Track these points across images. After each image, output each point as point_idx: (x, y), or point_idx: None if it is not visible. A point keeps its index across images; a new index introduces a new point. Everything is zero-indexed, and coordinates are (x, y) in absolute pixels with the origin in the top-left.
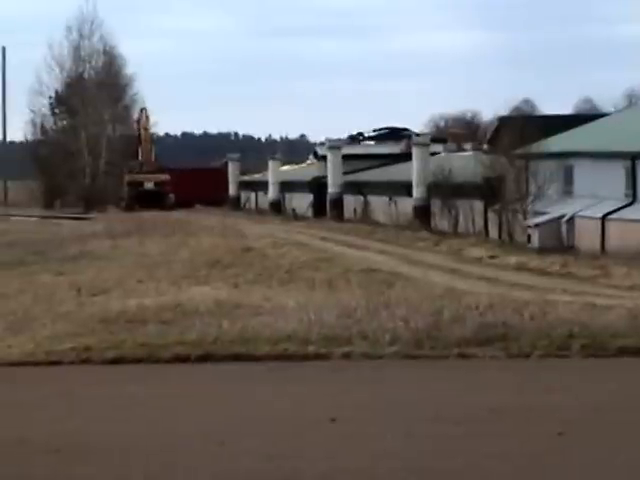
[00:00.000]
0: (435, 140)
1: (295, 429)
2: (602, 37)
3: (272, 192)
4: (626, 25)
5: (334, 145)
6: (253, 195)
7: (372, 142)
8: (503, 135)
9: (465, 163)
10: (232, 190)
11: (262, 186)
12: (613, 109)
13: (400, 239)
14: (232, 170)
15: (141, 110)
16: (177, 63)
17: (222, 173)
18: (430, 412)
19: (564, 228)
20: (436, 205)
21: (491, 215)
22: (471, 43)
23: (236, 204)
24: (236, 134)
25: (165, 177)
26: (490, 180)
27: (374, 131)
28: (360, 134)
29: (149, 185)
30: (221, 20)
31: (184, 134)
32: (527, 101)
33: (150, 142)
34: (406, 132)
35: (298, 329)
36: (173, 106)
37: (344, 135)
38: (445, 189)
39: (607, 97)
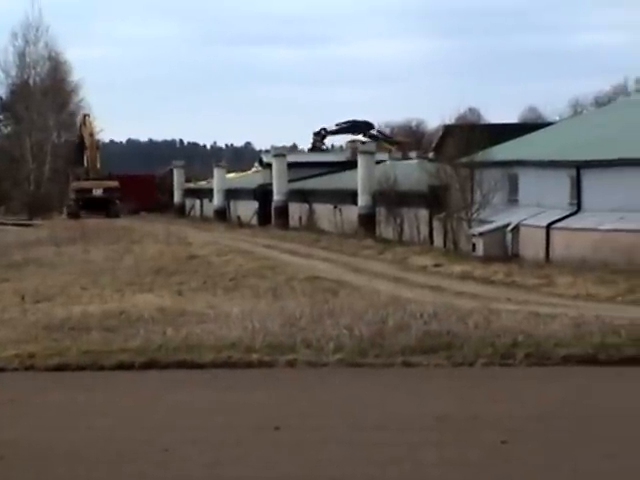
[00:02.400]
0: (389, 141)
1: (239, 437)
2: (547, 46)
3: (217, 200)
4: (571, 35)
5: (279, 153)
6: (198, 202)
7: (335, 136)
8: (448, 143)
9: (410, 171)
10: (177, 197)
11: (207, 193)
12: (558, 118)
13: (345, 247)
14: (177, 177)
15: (84, 116)
16: (123, 70)
17: (154, 179)
18: (374, 420)
19: (509, 237)
20: (381, 213)
21: (436, 223)
22: (417, 51)
23: (181, 211)
24: (181, 141)
25: (114, 184)
26: (435, 188)
27: (336, 125)
28: (323, 129)
29: (98, 192)
30: (167, 28)
31: (129, 141)
32: (472, 110)
33: (95, 149)
34: (368, 125)
35: (242, 337)
36: (119, 113)
37: (289, 143)
38: (390, 197)
39: (552, 106)
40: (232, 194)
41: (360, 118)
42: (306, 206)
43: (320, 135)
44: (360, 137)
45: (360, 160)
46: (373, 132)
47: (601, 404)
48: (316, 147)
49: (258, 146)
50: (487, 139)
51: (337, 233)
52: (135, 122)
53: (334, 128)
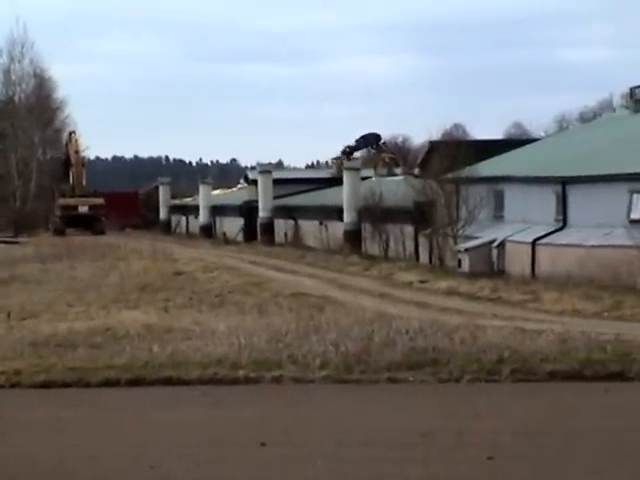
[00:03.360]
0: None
1: (225, 453)
2: (533, 62)
3: (203, 216)
4: (557, 50)
5: (265, 169)
6: (184, 219)
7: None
8: (434, 159)
9: (396, 187)
10: (163, 214)
11: (193, 210)
12: (543, 134)
13: (331, 263)
14: (163, 194)
15: (70, 133)
16: (108, 86)
17: (137, 197)
18: (360, 437)
19: (494, 253)
20: (367, 229)
21: (422, 240)
22: (403, 68)
23: (167, 228)
24: (167, 158)
25: (100, 201)
26: (421, 205)
27: (355, 141)
28: (348, 147)
29: (83, 209)
30: (153, 44)
31: (115, 158)
32: (458, 126)
33: (81, 166)
34: (377, 137)
35: (228, 353)
36: (104, 130)
37: (275, 159)
38: (376, 213)
39: (537, 122)
40: (218, 211)
41: (360, 132)
42: (292, 222)
43: (346, 153)
44: (372, 150)
45: (346, 176)
46: (381, 143)
47: (587, 420)
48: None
49: (244, 163)
50: (472, 155)
51: (323, 249)
52: (120, 139)
53: (354, 144)
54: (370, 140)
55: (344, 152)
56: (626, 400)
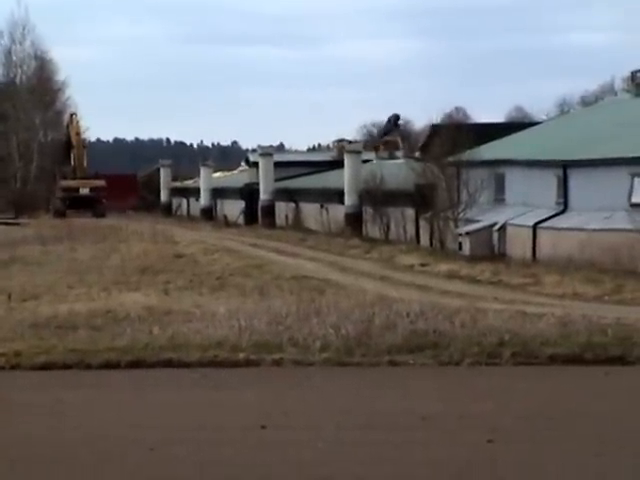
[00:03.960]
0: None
1: (225, 436)
2: (534, 46)
3: (204, 199)
4: (558, 35)
5: (266, 152)
6: (185, 201)
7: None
8: (435, 143)
9: (397, 171)
10: (164, 196)
11: (194, 192)
12: (545, 117)
13: (332, 246)
14: (164, 176)
15: (71, 115)
16: (109, 69)
17: (136, 179)
18: (361, 420)
19: (495, 236)
20: (368, 212)
21: (423, 223)
22: (404, 51)
23: (168, 210)
24: (168, 140)
25: (101, 183)
26: (422, 188)
27: (386, 124)
28: (384, 131)
29: (85, 191)
30: (154, 27)
31: (116, 140)
32: (459, 109)
33: (82, 147)
34: (396, 117)
35: (229, 336)
36: (105, 112)
37: (276, 142)
38: (377, 196)
39: (539, 106)
40: (219, 193)
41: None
42: (293, 205)
43: (381, 136)
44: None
45: (347, 159)
46: (400, 123)
47: (588, 403)
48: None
49: (245, 145)
50: (474, 138)
51: (324, 232)
52: (122, 121)
53: (385, 127)
54: (392, 120)
55: (380, 136)
56: (626, 384)
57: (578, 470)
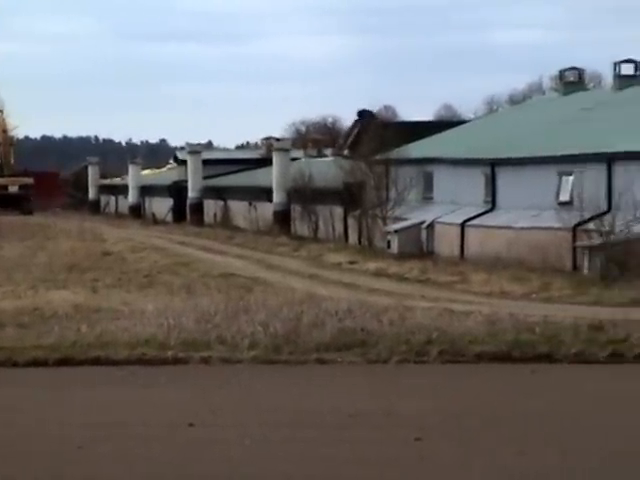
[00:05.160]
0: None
1: (153, 434)
2: (463, 44)
3: (132, 196)
4: (486, 33)
5: (194, 150)
6: (113, 199)
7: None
8: (363, 141)
9: (326, 169)
10: (92, 194)
11: (122, 190)
12: (473, 116)
13: (260, 244)
14: (92, 174)
15: None
16: (37, 65)
17: (58, 176)
18: (289, 417)
19: (424, 234)
20: (296, 210)
21: (351, 221)
22: (332, 49)
23: (96, 208)
24: (96, 137)
25: (29, 181)
26: (350, 186)
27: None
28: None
29: (13, 189)
30: (83, 23)
31: (44, 137)
32: (388, 107)
33: (10, 145)
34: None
35: (157, 333)
36: (33, 109)
37: (204, 140)
38: (305, 194)
39: (467, 104)
40: (147, 191)
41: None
42: (221, 203)
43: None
44: None
45: (275, 157)
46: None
47: (514, 401)
48: None
49: (173, 143)
50: (402, 136)
51: (252, 230)
52: (50, 118)
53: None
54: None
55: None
56: (553, 381)
57: (503, 468)
